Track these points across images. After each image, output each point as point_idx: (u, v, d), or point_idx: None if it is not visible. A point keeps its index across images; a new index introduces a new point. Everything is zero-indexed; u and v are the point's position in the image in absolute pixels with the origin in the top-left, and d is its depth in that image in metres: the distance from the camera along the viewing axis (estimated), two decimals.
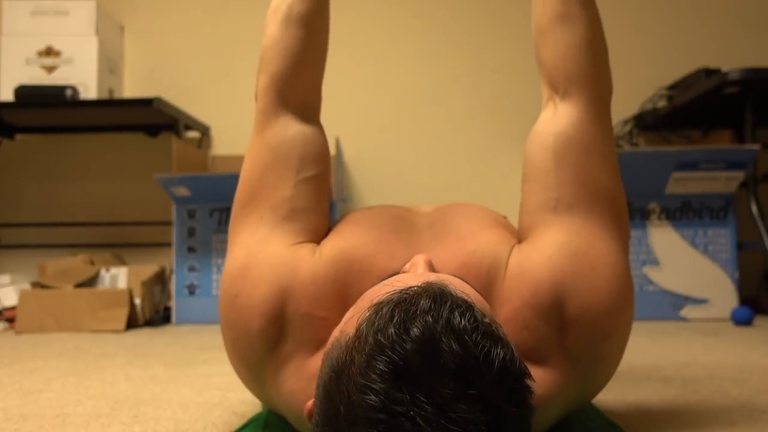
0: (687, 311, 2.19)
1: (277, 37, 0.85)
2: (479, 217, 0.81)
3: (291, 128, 0.84)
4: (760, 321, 2.18)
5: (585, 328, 0.72)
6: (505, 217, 0.95)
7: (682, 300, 2.18)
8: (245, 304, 0.75)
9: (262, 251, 0.77)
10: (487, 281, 0.73)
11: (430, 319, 0.49)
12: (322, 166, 0.84)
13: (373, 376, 0.47)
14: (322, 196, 0.83)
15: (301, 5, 0.86)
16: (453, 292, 0.53)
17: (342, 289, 0.73)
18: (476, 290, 0.65)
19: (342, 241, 0.76)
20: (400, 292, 0.53)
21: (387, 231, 0.78)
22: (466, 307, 0.51)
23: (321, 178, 0.83)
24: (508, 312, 0.71)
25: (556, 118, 0.82)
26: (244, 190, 0.83)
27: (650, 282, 2.18)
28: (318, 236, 0.81)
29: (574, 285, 0.72)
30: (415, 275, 0.62)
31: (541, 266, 0.73)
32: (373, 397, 0.46)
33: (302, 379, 0.71)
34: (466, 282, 0.65)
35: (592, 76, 0.83)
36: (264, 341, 0.73)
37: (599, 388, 0.79)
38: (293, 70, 0.85)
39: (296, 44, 0.85)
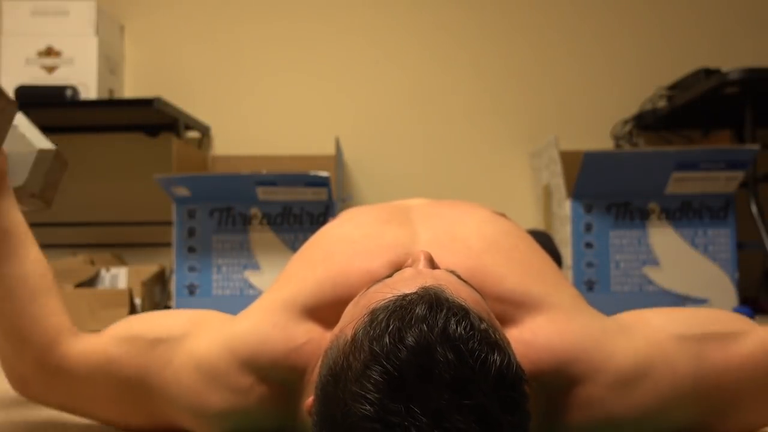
0: None
1: None
2: (489, 235, 0.79)
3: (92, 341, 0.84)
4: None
5: (571, 410, 0.67)
6: (503, 214, 0.95)
7: (682, 300, 2.18)
8: (228, 404, 0.71)
9: (189, 366, 0.74)
10: (498, 299, 0.69)
11: (425, 328, 0.48)
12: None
13: (368, 385, 0.47)
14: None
15: None
16: (449, 298, 0.52)
17: (319, 315, 0.71)
18: (477, 291, 0.63)
19: (310, 273, 0.74)
20: (396, 300, 0.52)
21: (368, 242, 0.76)
22: (462, 314, 0.50)
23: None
24: (523, 338, 0.67)
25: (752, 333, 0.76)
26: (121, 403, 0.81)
27: (650, 282, 2.18)
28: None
29: (605, 387, 0.67)
30: (413, 275, 0.61)
31: (597, 349, 0.68)
32: (367, 406, 0.46)
33: None
34: (464, 281, 0.63)
35: None
36: (277, 407, 0.70)
37: None
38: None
39: None
